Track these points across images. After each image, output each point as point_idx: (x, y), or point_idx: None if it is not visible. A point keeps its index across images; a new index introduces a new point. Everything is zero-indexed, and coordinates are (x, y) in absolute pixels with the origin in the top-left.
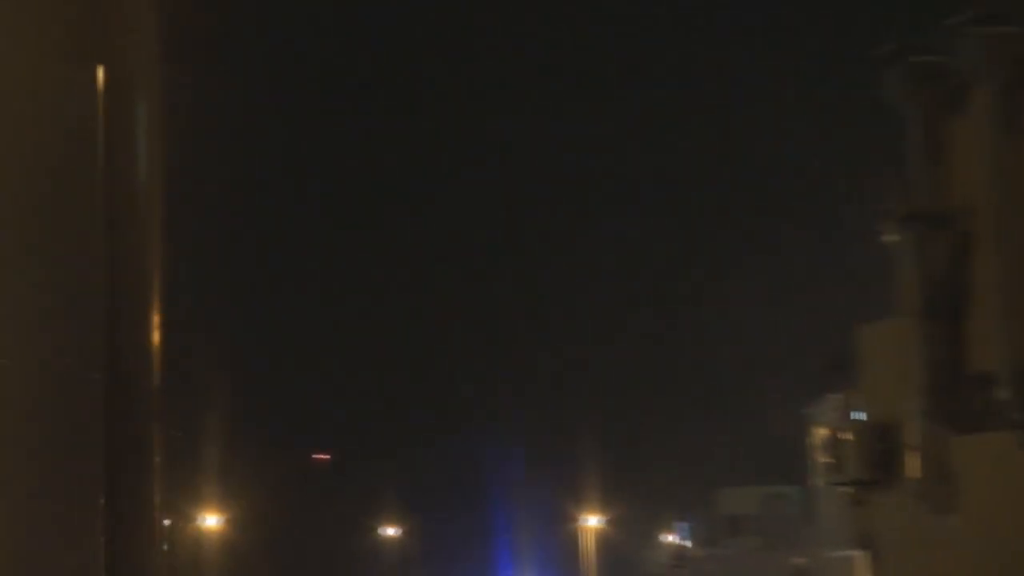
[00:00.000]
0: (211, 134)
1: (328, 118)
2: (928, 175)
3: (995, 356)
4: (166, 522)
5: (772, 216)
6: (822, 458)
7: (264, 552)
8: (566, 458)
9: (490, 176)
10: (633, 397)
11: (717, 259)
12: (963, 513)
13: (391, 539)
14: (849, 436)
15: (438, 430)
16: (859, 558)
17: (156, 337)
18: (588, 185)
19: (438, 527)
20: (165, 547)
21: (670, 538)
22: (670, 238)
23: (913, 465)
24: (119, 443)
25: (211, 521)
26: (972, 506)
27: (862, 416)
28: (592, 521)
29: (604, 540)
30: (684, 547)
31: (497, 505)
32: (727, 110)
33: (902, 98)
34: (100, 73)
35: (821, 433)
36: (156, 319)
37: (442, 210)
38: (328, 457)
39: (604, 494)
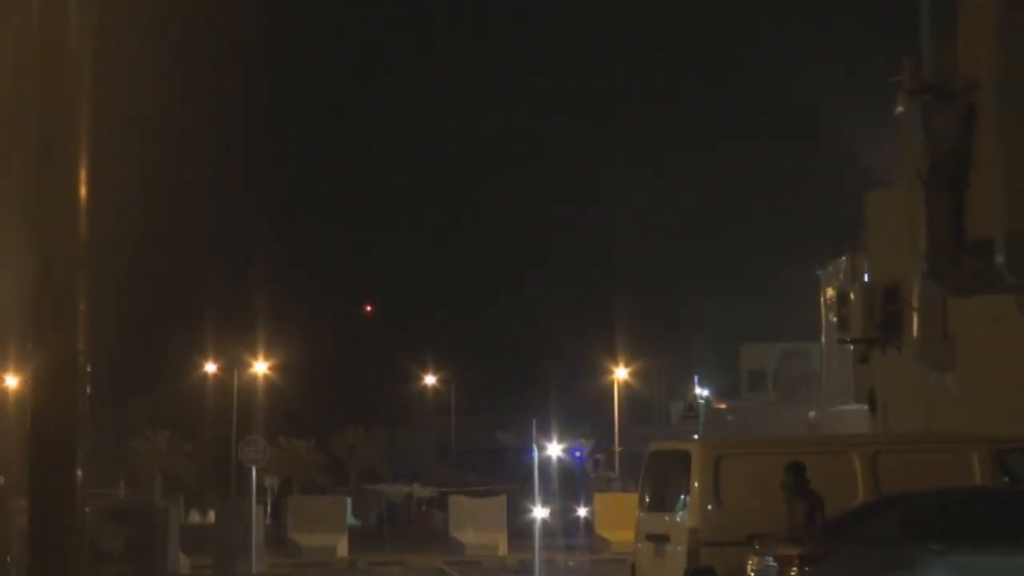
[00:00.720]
0: None
1: None
2: (937, 48)
3: (994, 223)
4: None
5: (788, 81)
6: (831, 317)
7: (308, 397)
8: (597, 312)
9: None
10: (660, 254)
11: (740, 124)
12: (960, 371)
13: (430, 387)
14: (855, 297)
15: (478, 285)
16: (863, 412)
17: (83, 191)
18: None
19: (474, 376)
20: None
21: (695, 391)
22: (690, 96)
23: (915, 325)
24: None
25: (260, 367)
26: (969, 364)
27: (868, 278)
28: (620, 373)
29: (631, 391)
30: (696, 398)
31: (531, 355)
32: None
33: None
34: None
35: (830, 293)
36: (83, 172)
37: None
38: (373, 308)
39: (632, 347)
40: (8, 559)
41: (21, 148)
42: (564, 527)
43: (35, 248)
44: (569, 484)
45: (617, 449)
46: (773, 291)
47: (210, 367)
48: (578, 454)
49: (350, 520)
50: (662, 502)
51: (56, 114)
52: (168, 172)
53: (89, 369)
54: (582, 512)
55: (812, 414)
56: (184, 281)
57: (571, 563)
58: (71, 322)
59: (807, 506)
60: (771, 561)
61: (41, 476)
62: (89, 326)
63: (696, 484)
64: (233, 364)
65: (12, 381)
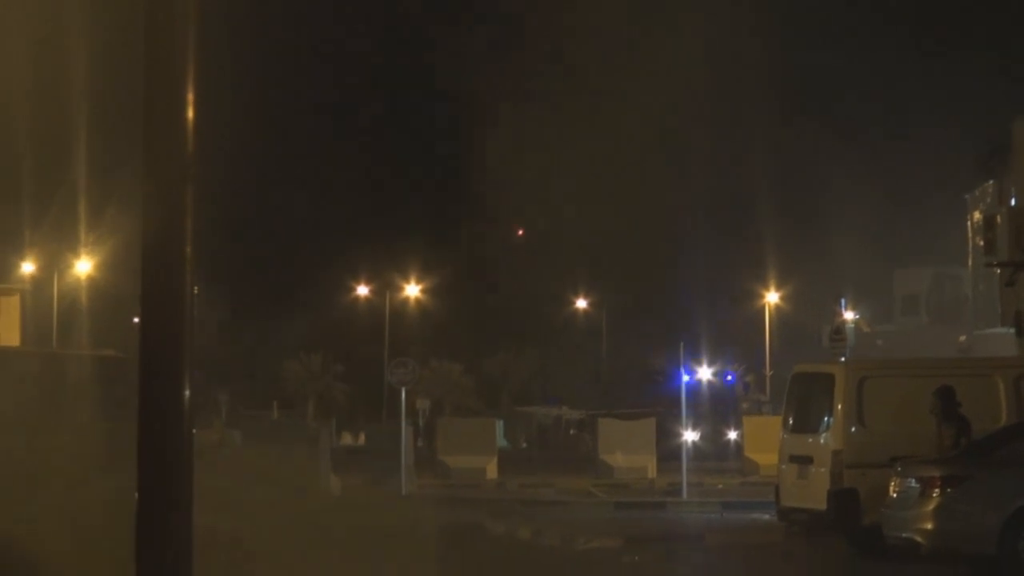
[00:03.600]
0: None
1: None
2: None
3: None
4: None
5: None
6: (978, 241)
7: (460, 320)
8: (747, 235)
9: None
10: (807, 176)
11: (889, 45)
12: None
13: (581, 310)
14: (1002, 220)
15: (628, 208)
16: (1010, 335)
17: (191, 113)
18: None
19: (624, 300)
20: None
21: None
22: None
23: None
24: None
25: (412, 290)
26: None
27: (1015, 202)
28: (772, 297)
29: (782, 315)
30: (844, 322)
31: (678, 278)
32: None
33: None
34: None
35: (977, 217)
36: (190, 95)
37: None
38: (524, 231)
39: (783, 271)
40: None
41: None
42: (714, 451)
43: (144, 170)
44: (720, 408)
45: (768, 373)
46: (921, 215)
47: (362, 290)
48: (729, 378)
49: (500, 442)
50: (806, 424)
51: (163, 35)
52: (327, 94)
53: (196, 291)
54: (732, 435)
55: (962, 338)
56: (334, 205)
57: (719, 486)
58: (179, 246)
59: (955, 430)
60: (913, 483)
61: (150, 400)
62: (197, 249)
63: (839, 406)
64: (385, 287)
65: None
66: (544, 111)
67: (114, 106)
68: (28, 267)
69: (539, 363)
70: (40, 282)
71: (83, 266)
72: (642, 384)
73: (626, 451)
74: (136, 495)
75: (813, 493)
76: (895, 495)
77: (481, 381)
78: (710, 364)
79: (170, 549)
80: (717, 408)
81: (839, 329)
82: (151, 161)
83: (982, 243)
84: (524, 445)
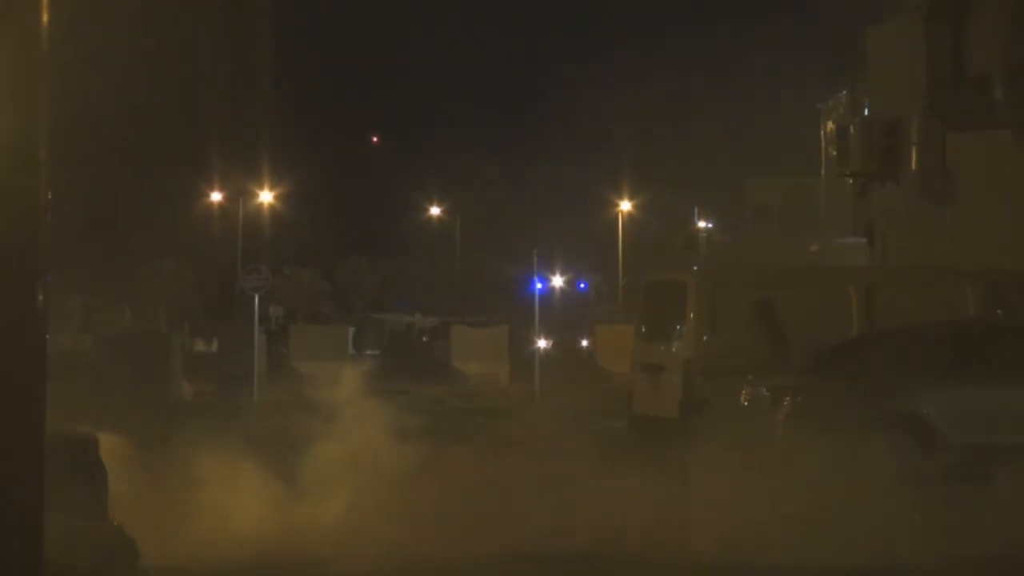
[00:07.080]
0: None
1: None
2: None
3: (993, 57)
4: None
5: None
6: (831, 151)
7: (314, 227)
8: (599, 144)
9: None
10: (661, 86)
11: None
12: (958, 205)
13: (436, 218)
14: (855, 130)
15: (479, 113)
16: (861, 245)
17: (45, 17)
18: None
19: (476, 206)
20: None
21: (696, 225)
22: None
23: (913, 159)
24: None
25: (265, 196)
26: (967, 198)
27: (868, 112)
28: (625, 206)
29: (636, 225)
30: (696, 233)
31: (534, 186)
32: None
33: None
34: None
35: (830, 127)
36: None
37: None
38: (380, 138)
39: (634, 181)
40: None
41: None
42: (567, 358)
43: None
44: (574, 316)
45: (621, 282)
46: (773, 124)
47: (215, 196)
48: (582, 286)
49: (350, 351)
50: (658, 332)
51: None
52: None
53: (50, 196)
54: (584, 344)
55: (814, 248)
56: (189, 109)
57: (572, 395)
58: (32, 149)
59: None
60: (764, 391)
61: (4, 306)
62: (49, 149)
63: (692, 314)
64: (238, 193)
65: None
66: (398, 20)
67: None
68: None
69: (393, 270)
70: None
71: None
72: (496, 292)
73: (479, 359)
74: None
75: (665, 402)
76: (746, 403)
77: (335, 288)
78: (563, 273)
79: (22, 457)
80: (571, 316)
81: (692, 238)
82: (3, 64)
83: (835, 153)
84: (368, 352)
